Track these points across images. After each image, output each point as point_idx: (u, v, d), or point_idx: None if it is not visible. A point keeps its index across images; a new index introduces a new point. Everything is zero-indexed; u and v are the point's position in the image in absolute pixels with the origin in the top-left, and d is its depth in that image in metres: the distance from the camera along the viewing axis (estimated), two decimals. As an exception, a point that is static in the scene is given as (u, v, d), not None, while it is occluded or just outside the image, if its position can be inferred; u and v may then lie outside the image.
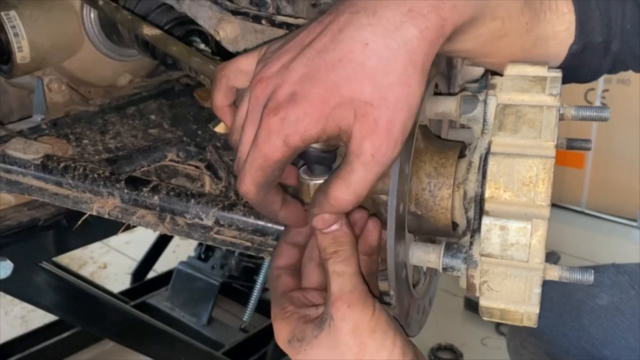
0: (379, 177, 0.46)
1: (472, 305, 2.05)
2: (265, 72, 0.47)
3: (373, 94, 0.44)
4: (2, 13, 0.82)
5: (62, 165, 0.73)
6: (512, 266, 0.47)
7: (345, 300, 0.47)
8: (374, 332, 0.47)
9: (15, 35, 0.83)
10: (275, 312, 0.51)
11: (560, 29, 0.54)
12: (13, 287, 0.82)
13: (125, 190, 0.70)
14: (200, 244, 2.04)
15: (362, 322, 0.47)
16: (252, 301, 1.75)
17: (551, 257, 2.19)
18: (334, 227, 0.50)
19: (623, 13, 0.56)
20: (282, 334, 0.50)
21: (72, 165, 0.73)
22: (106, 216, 0.72)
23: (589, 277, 0.47)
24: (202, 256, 2.00)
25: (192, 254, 2.05)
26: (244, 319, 1.76)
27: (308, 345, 0.48)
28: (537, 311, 0.48)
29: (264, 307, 1.84)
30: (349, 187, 0.46)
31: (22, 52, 0.84)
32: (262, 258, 1.76)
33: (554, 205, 0.47)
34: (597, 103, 2.52)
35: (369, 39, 0.44)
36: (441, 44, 0.45)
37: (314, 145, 0.49)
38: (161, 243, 2.16)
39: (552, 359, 0.83)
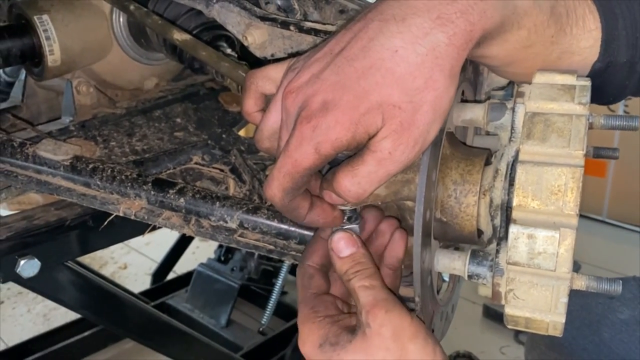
0: (390, 176, 0.46)
1: (490, 314, 2.04)
2: (296, 82, 0.48)
3: (401, 98, 0.44)
4: (35, 17, 0.84)
5: (90, 166, 0.74)
6: (539, 275, 0.47)
7: (381, 307, 0.46)
8: (415, 338, 0.46)
9: (47, 38, 0.85)
10: (305, 313, 0.50)
11: (586, 46, 0.54)
12: (39, 285, 0.83)
13: (152, 192, 0.71)
14: (220, 246, 2.05)
15: (402, 327, 0.46)
16: (270, 304, 1.76)
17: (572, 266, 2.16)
18: (352, 249, 0.50)
19: None
20: (311, 338, 0.48)
21: (100, 166, 0.74)
22: (133, 217, 0.73)
23: (617, 288, 0.47)
24: (222, 258, 2.02)
25: (212, 256, 2.07)
26: (263, 322, 1.77)
27: (342, 350, 0.46)
28: (563, 320, 0.48)
29: (282, 311, 1.85)
30: (354, 177, 0.46)
31: (53, 55, 0.86)
32: (281, 261, 1.77)
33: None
34: (620, 112, 2.49)
35: (399, 45, 0.44)
36: (470, 49, 0.46)
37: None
38: (181, 245, 2.18)
39: None
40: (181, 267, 2.23)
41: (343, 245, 0.50)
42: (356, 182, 0.46)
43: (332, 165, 0.51)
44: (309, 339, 0.48)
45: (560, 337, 0.49)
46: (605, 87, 0.57)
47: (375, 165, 0.45)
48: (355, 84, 0.45)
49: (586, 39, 0.54)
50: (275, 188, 0.48)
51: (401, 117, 0.44)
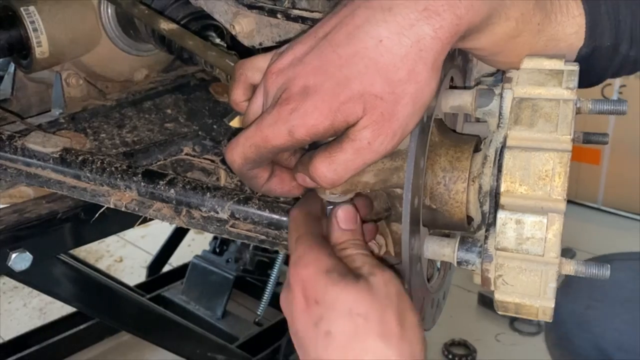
0: (366, 165, 0.46)
1: (486, 301, 2.05)
2: (277, 65, 0.48)
3: (383, 88, 0.44)
4: (22, 8, 0.83)
5: (80, 158, 0.74)
6: (527, 260, 0.47)
7: (383, 269, 0.46)
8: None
9: (35, 30, 0.84)
10: (312, 241, 0.47)
11: (571, 32, 0.54)
12: (32, 278, 0.83)
13: (142, 184, 0.71)
14: (215, 238, 2.05)
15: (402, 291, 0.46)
16: (266, 295, 1.76)
17: (567, 253, 2.17)
18: (353, 226, 0.50)
19: (632, 13, 0.55)
20: (318, 263, 0.45)
21: (90, 158, 0.73)
22: (123, 209, 0.72)
23: (605, 272, 0.47)
24: (217, 250, 2.02)
25: (207, 247, 2.06)
26: (258, 313, 1.77)
27: (350, 284, 0.44)
28: (553, 305, 0.48)
29: (278, 301, 1.85)
30: (331, 164, 0.46)
31: (41, 47, 0.85)
32: (277, 252, 1.77)
33: (569, 201, 0.47)
34: (615, 98, 2.49)
35: (384, 35, 0.44)
36: (455, 42, 0.46)
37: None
38: (176, 237, 2.18)
39: (602, 354, 0.79)
40: (177, 260, 2.23)
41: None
42: (332, 169, 0.46)
43: (307, 149, 0.51)
44: (314, 264, 0.45)
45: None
46: (590, 72, 0.57)
47: (353, 154, 0.45)
48: (337, 71, 0.44)
49: (571, 25, 0.54)
50: (237, 155, 0.49)
51: (382, 108, 0.44)
